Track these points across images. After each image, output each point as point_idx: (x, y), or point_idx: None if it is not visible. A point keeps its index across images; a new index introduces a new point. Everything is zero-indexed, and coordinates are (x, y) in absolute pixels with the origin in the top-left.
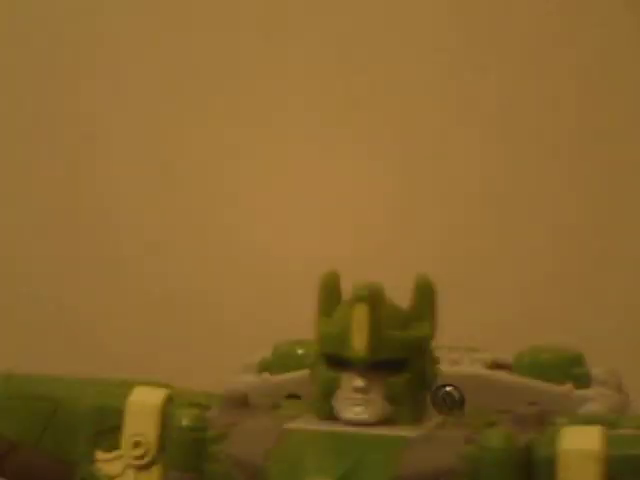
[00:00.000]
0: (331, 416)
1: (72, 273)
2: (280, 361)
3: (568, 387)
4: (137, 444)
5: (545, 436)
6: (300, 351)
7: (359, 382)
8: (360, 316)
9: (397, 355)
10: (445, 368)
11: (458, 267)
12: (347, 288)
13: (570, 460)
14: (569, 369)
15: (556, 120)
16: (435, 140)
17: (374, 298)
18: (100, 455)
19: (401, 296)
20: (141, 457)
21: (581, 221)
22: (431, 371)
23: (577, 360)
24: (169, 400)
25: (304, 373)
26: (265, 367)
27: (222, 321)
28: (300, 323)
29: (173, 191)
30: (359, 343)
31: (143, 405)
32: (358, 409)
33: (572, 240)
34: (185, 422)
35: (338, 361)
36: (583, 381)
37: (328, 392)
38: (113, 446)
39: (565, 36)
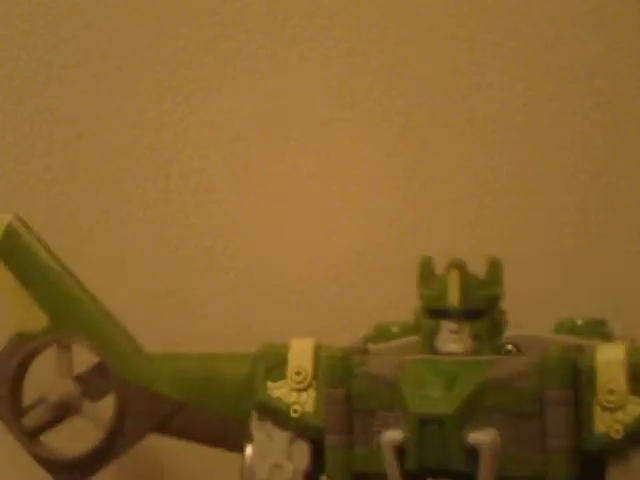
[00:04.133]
0: (433, 351)
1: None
2: (380, 336)
3: (596, 340)
4: (298, 373)
5: (586, 353)
6: (395, 329)
7: (454, 326)
8: (454, 278)
9: (479, 306)
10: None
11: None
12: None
13: (604, 367)
14: (598, 330)
15: (564, 118)
16: (438, 140)
17: (462, 266)
18: (270, 384)
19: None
20: (301, 382)
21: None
22: (502, 320)
23: (602, 323)
24: (317, 345)
25: (398, 342)
26: (368, 340)
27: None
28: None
29: (171, 193)
30: (454, 297)
31: (303, 349)
32: (454, 345)
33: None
34: (336, 352)
35: (437, 313)
36: (607, 337)
37: (431, 335)
38: (279, 378)
39: (566, 36)
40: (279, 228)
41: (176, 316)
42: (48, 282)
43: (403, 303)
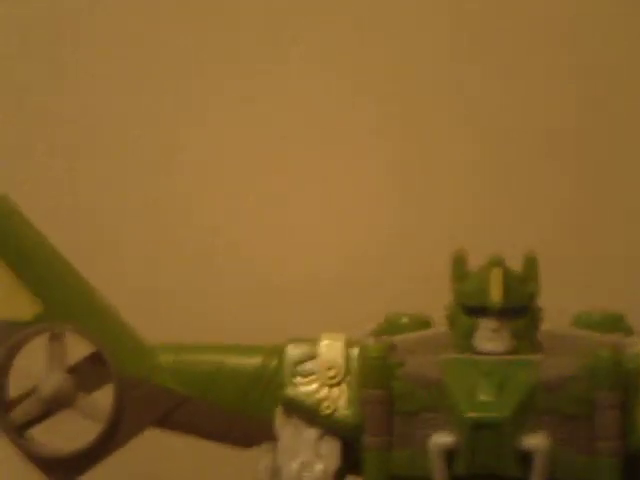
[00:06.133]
0: (470, 350)
1: None
2: (390, 327)
3: (620, 335)
4: (330, 368)
5: (627, 352)
6: (404, 319)
7: (494, 324)
8: (497, 276)
9: (520, 304)
10: None
11: None
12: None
13: None
14: (616, 325)
15: (559, 119)
16: (438, 139)
17: (504, 264)
18: (299, 379)
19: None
20: (333, 377)
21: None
22: (539, 317)
23: (620, 318)
24: (348, 340)
25: (421, 335)
26: (379, 331)
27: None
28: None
29: (173, 190)
30: (496, 295)
31: (334, 344)
32: (494, 344)
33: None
34: (374, 353)
35: (476, 310)
36: (628, 332)
37: (468, 333)
38: (309, 373)
39: (566, 36)
40: (282, 226)
41: (179, 313)
42: (41, 267)
43: (408, 299)
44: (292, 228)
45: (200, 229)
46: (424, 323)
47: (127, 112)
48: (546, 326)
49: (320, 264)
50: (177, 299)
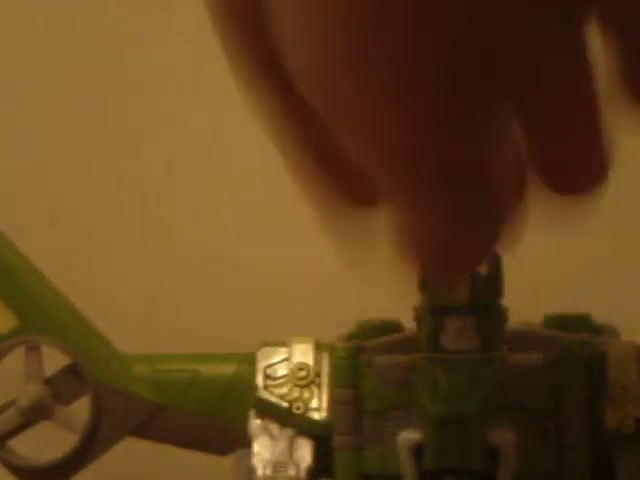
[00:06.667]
0: (438, 349)
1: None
2: (361, 332)
3: (588, 335)
4: (300, 369)
5: (594, 348)
6: (375, 324)
7: (460, 323)
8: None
9: (485, 302)
10: None
11: None
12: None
13: (617, 363)
14: (585, 324)
15: None
16: None
17: None
18: (270, 382)
19: None
20: (304, 378)
21: None
22: (505, 315)
23: (587, 317)
24: (318, 343)
25: (392, 338)
26: (350, 336)
27: None
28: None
29: (170, 192)
30: (461, 293)
31: (305, 347)
32: (461, 342)
33: None
34: (343, 353)
35: (441, 310)
36: (596, 331)
37: (435, 333)
38: (280, 375)
39: None
40: (275, 227)
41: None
42: (14, 280)
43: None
44: (287, 229)
45: (196, 232)
46: (395, 326)
47: (127, 111)
48: (513, 325)
49: (311, 265)
50: (169, 300)
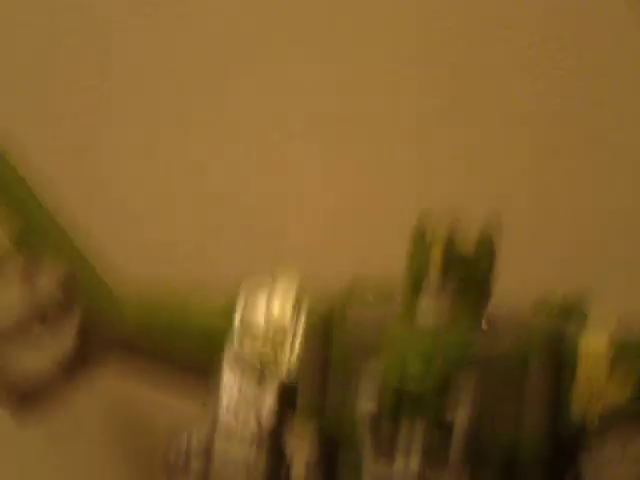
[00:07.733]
0: (413, 323)
1: None
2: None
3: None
4: (277, 328)
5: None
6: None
7: (434, 299)
8: (436, 250)
9: (461, 280)
10: None
11: None
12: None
13: (586, 357)
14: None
15: (554, 124)
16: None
17: (449, 240)
18: (246, 336)
19: None
20: (279, 335)
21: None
22: (484, 295)
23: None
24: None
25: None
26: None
27: None
28: None
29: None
30: (435, 270)
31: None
32: (433, 318)
33: None
34: (318, 319)
35: (419, 284)
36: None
37: (412, 308)
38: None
39: (565, 36)
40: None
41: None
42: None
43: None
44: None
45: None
46: (387, 296)
47: (127, 108)
48: (495, 309)
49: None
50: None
